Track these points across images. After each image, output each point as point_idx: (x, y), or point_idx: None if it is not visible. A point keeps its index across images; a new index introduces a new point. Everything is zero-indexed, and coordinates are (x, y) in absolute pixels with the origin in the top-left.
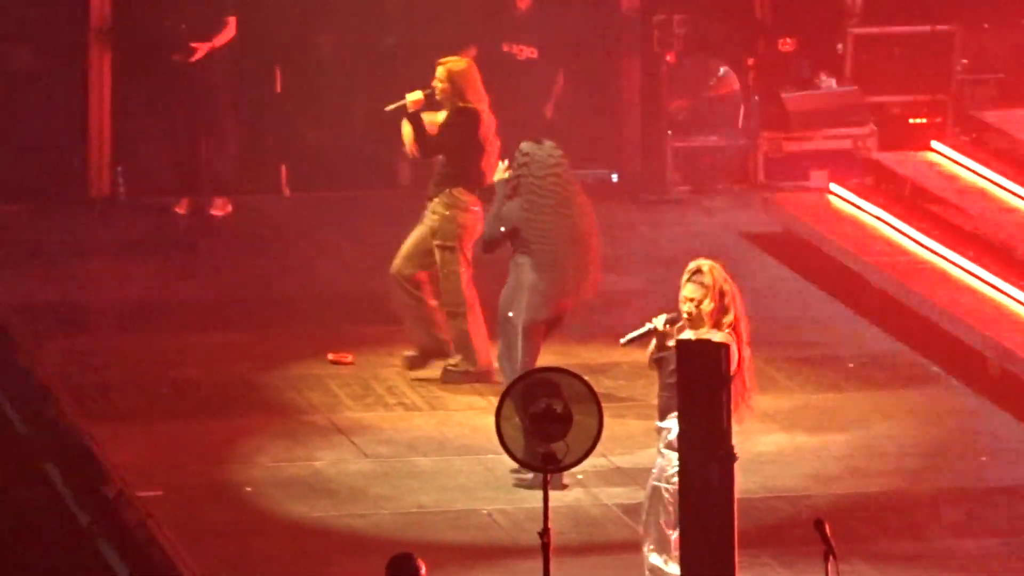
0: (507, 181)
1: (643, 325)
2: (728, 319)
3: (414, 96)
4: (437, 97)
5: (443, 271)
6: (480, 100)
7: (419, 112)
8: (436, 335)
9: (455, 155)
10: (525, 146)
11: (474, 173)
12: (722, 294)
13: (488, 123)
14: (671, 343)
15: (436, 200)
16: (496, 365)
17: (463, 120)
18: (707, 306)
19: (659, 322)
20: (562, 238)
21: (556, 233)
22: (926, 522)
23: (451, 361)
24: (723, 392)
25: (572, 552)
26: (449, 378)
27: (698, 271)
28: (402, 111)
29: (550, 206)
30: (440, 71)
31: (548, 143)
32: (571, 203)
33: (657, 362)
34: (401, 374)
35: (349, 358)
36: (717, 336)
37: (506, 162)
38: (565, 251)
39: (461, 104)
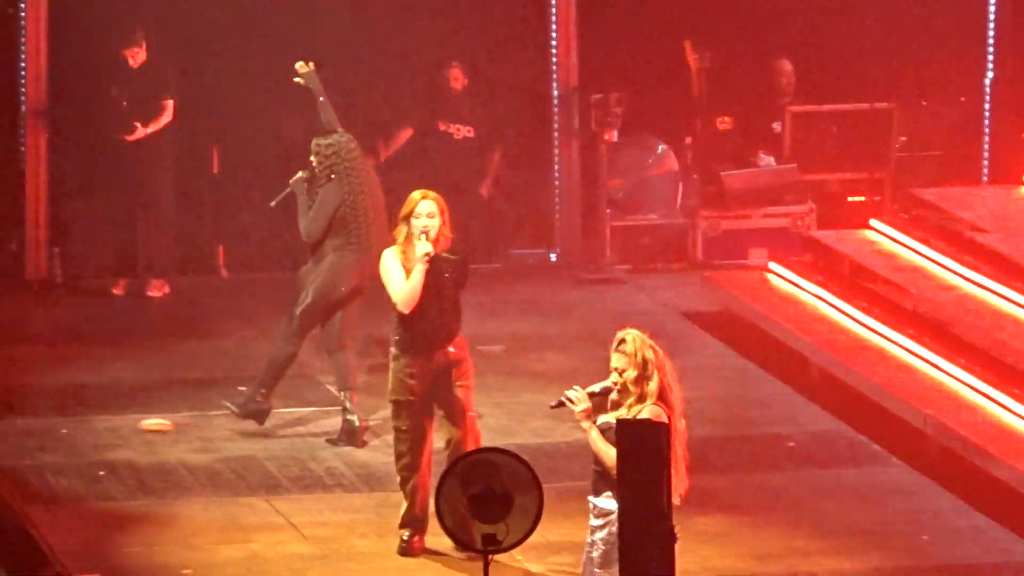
0: (310, 179)
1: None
2: (651, 387)
3: (296, 178)
4: (426, 236)
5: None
6: None
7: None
8: None
9: None
10: (327, 139)
11: None
12: (644, 362)
13: None
14: (605, 418)
15: (451, 345)
16: None
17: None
18: (630, 374)
19: (581, 393)
20: (368, 215)
21: (365, 209)
22: None
23: None
24: (663, 472)
25: None
26: None
27: (622, 341)
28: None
29: (359, 186)
30: (431, 205)
31: (340, 131)
32: (369, 182)
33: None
34: (340, 455)
35: (167, 425)
36: (646, 411)
37: (301, 173)
38: (370, 226)
39: (456, 248)
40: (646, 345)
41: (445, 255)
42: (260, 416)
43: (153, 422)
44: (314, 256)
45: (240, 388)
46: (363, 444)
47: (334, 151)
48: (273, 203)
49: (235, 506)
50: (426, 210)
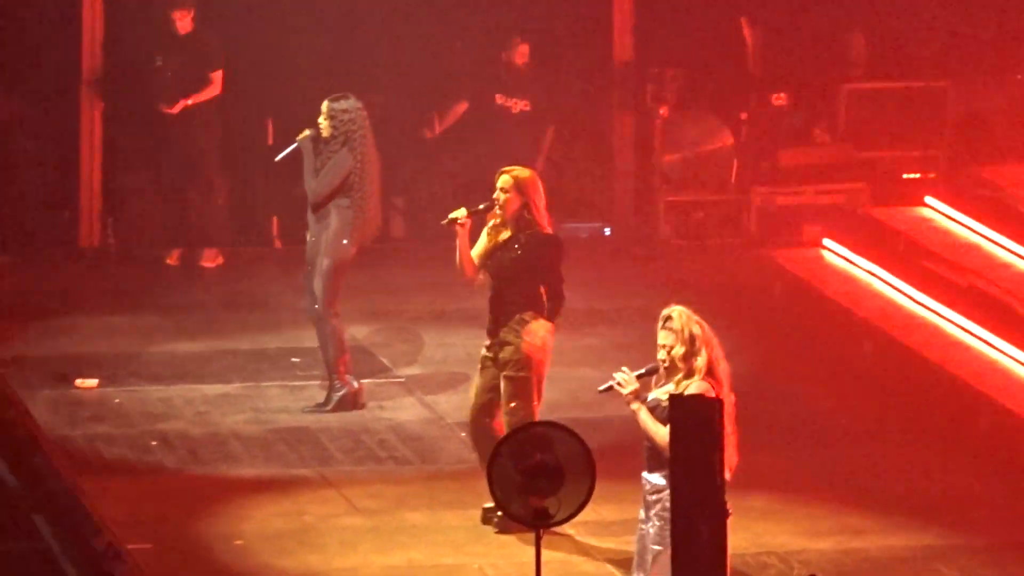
0: (316, 138)
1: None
2: (700, 362)
3: (302, 136)
4: (498, 210)
5: (512, 403)
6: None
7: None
8: None
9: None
10: (343, 104)
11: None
12: (692, 338)
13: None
14: (654, 395)
15: (505, 328)
16: None
17: (547, 248)
18: (678, 351)
19: (629, 376)
20: (374, 181)
21: (372, 176)
22: None
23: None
24: (715, 447)
25: None
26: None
27: (668, 318)
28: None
29: (369, 153)
30: (505, 179)
31: (351, 97)
32: (373, 151)
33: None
34: (393, 428)
35: (95, 383)
36: (694, 386)
37: (308, 131)
38: (373, 192)
39: (533, 230)
40: (692, 321)
41: (518, 235)
42: (348, 402)
43: (85, 381)
44: (316, 216)
45: (293, 360)
46: (362, 406)
47: (351, 118)
48: (278, 158)
49: (287, 477)
50: (498, 184)
